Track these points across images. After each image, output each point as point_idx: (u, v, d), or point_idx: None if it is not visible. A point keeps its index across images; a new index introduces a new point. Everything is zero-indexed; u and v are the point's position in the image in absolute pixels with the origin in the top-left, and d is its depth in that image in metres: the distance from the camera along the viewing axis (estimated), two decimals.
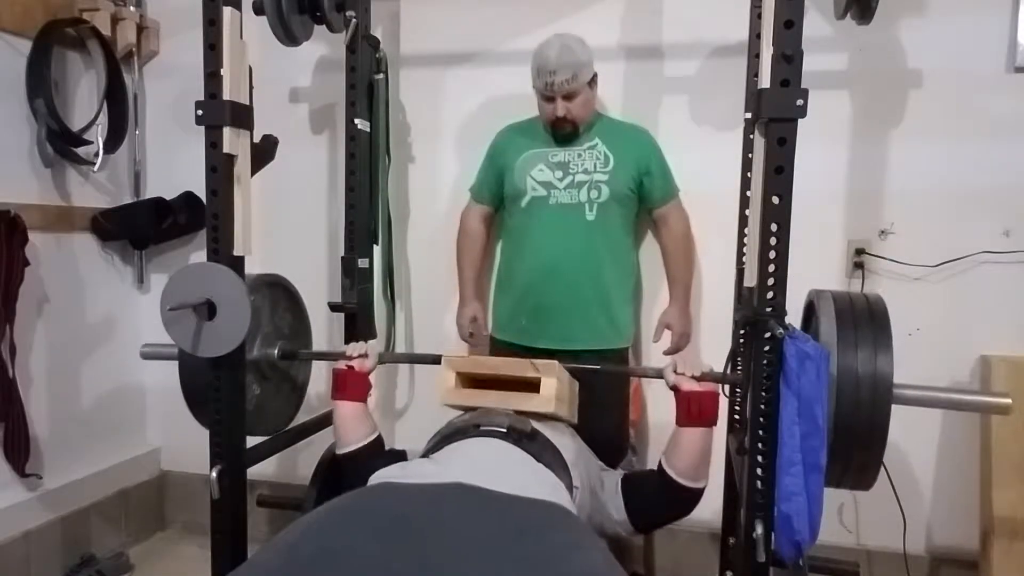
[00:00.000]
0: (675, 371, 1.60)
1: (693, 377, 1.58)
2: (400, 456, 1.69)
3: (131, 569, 2.51)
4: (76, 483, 2.47)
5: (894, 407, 1.39)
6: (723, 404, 2.09)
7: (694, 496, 1.57)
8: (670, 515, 1.63)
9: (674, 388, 1.59)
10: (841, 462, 1.38)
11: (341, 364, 1.78)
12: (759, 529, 1.40)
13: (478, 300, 2.34)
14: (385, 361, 1.90)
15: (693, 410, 1.55)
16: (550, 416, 1.71)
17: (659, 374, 1.66)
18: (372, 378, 1.79)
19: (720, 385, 1.66)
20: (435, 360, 1.82)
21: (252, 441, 1.84)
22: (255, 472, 1.86)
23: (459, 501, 1.22)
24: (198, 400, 1.78)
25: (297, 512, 2.04)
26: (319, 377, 2.26)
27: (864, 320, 1.41)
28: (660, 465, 1.59)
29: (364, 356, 1.78)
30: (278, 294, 2.02)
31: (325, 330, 2.44)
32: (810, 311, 1.62)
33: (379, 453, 1.71)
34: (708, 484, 1.60)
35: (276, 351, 1.94)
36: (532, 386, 1.70)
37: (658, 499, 1.60)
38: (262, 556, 1.13)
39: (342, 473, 1.73)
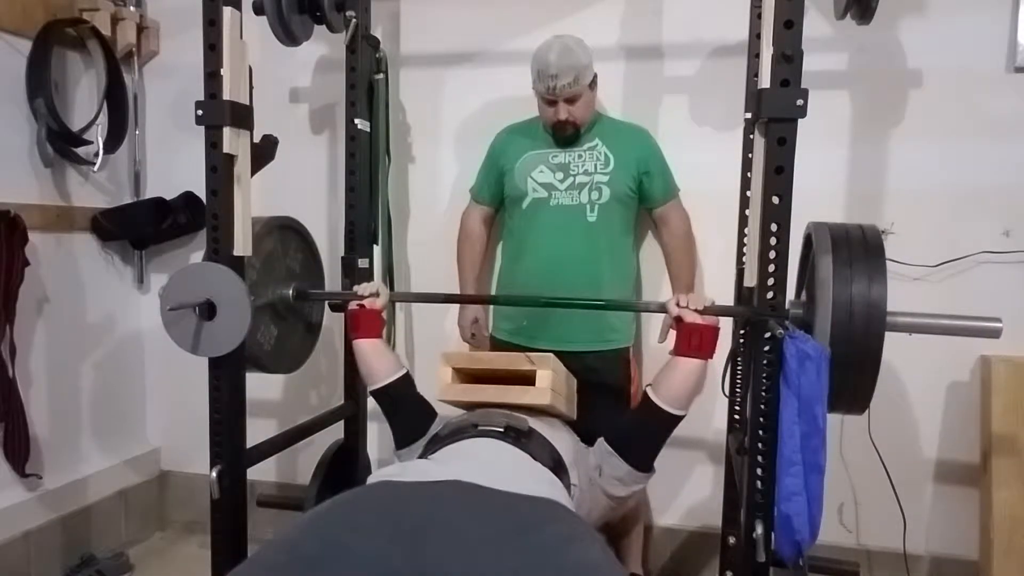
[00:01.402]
0: (679, 304, 1.60)
1: (696, 311, 1.58)
2: (430, 414, 1.74)
3: (131, 569, 2.51)
4: (76, 483, 2.47)
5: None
6: (723, 404, 2.12)
7: (675, 420, 1.57)
8: (659, 439, 1.61)
9: (677, 319, 1.60)
10: (837, 387, 1.38)
11: (354, 304, 1.82)
12: (759, 529, 1.40)
13: None
14: (395, 300, 1.92)
15: (693, 341, 1.56)
16: (547, 409, 1.71)
17: (663, 308, 1.67)
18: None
19: (722, 318, 1.65)
20: (443, 299, 1.92)
21: (252, 441, 1.84)
22: (255, 472, 1.86)
23: (458, 498, 1.23)
24: None
25: (297, 512, 2.05)
26: (320, 376, 2.26)
27: (859, 250, 1.42)
28: (645, 393, 1.59)
29: (375, 295, 1.82)
30: (290, 236, 2.03)
31: (325, 329, 2.43)
32: (808, 243, 1.62)
33: (410, 391, 1.77)
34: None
35: (291, 291, 1.96)
36: (529, 380, 1.71)
37: (643, 429, 1.61)
38: (264, 553, 1.14)
39: (380, 405, 1.78)
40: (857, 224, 1.50)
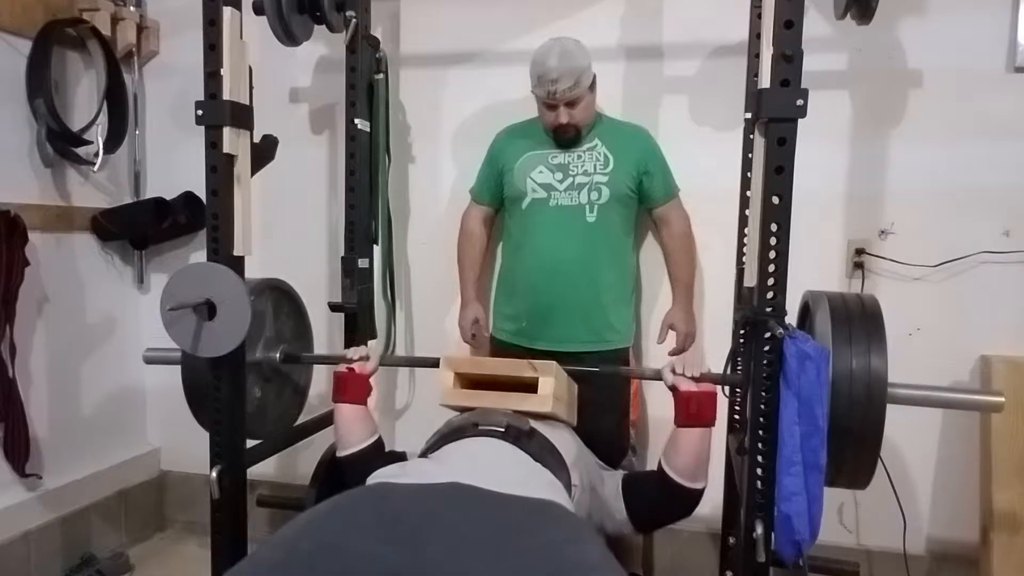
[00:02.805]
0: (674, 371, 1.60)
1: (692, 378, 1.58)
2: (400, 458, 1.69)
3: (131, 569, 2.51)
4: (76, 483, 2.47)
5: (893, 407, 1.39)
6: (723, 404, 2.11)
7: (694, 496, 1.57)
8: (671, 516, 1.64)
9: (673, 388, 1.59)
10: (836, 461, 1.38)
11: (342, 367, 1.78)
12: (759, 529, 1.40)
13: (479, 301, 2.33)
14: (385, 364, 1.90)
15: (692, 410, 1.55)
16: (548, 416, 1.71)
17: (657, 375, 1.66)
18: (372, 379, 1.80)
19: (719, 386, 1.65)
20: (435, 363, 1.81)
21: (252, 441, 1.84)
22: (255, 472, 1.86)
23: (456, 500, 1.23)
24: (201, 403, 1.78)
25: (297, 512, 2.04)
26: (319, 377, 2.26)
27: (858, 320, 1.42)
28: (660, 465, 1.59)
29: (365, 359, 1.79)
30: (280, 298, 2.02)
31: (325, 330, 2.44)
32: (805, 312, 1.62)
33: (379, 455, 1.71)
34: (708, 484, 1.60)
35: (278, 354, 1.94)
36: (531, 386, 1.70)
37: (659, 500, 1.61)
38: (262, 552, 1.14)
39: (343, 475, 1.73)
40: (855, 294, 1.50)
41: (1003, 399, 1.42)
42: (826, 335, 1.42)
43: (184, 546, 2.70)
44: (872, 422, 1.37)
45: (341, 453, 1.73)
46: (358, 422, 1.73)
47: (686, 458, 1.55)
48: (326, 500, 1.27)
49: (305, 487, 2.11)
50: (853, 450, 1.39)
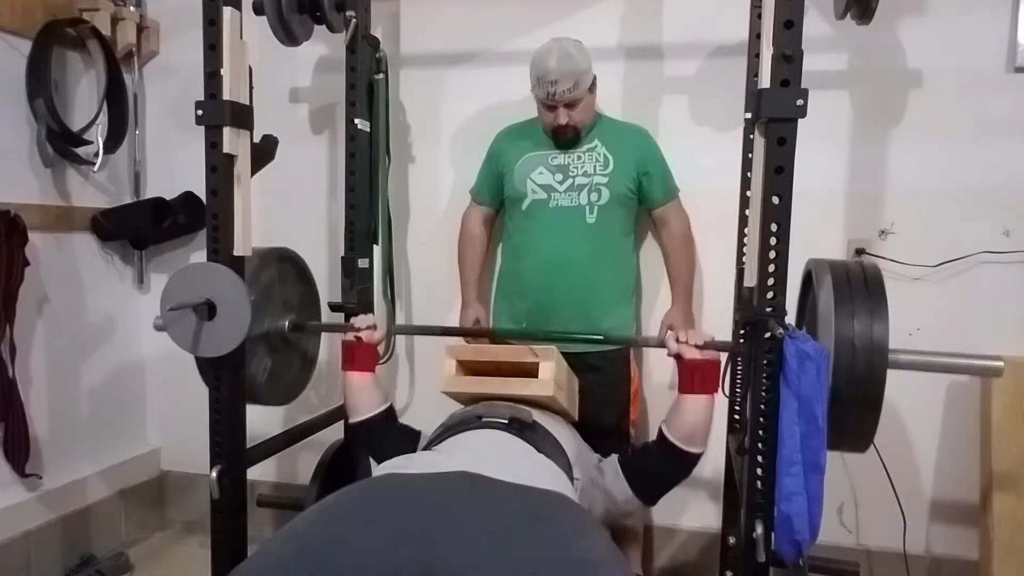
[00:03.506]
0: (678, 340, 1.60)
1: (695, 346, 1.58)
2: (414, 435, 1.71)
3: (131, 569, 2.51)
4: (76, 483, 2.47)
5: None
6: (723, 404, 2.11)
7: (692, 459, 1.57)
8: (671, 479, 1.63)
9: (676, 357, 1.59)
10: (839, 426, 1.38)
11: (350, 336, 1.80)
12: (759, 529, 1.40)
13: (480, 302, 2.34)
14: (392, 333, 1.91)
15: (696, 379, 1.56)
16: (550, 403, 1.71)
17: (661, 343, 1.66)
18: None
19: (722, 354, 1.65)
20: (442, 332, 1.84)
21: (252, 441, 1.84)
22: (255, 472, 1.86)
23: (463, 489, 1.23)
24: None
25: (297, 512, 2.04)
26: (320, 377, 2.26)
27: (860, 288, 1.42)
28: (660, 431, 1.59)
29: (372, 328, 1.80)
30: (288, 267, 2.03)
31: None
32: (808, 280, 1.62)
33: (391, 423, 1.74)
34: (707, 451, 1.60)
35: (286, 323, 1.95)
36: (532, 373, 1.72)
37: (659, 467, 1.61)
38: (270, 547, 1.13)
39: (354, 441, 1.74)
40: (857, 261, 1.49)
41: (1001, 363, 1.42)
42: (828, 302, 1.42)
43: (184, 546, 2.70)
44: (873, 387, 1.36)
45: (352, 420, 1.75)
46: (367, 391, 1.75)
47: (688, 425, 1.55)
48: (332, 494, 1.27)
49: (305, 487, 2.12)
50: (855, 414, 1.39)
